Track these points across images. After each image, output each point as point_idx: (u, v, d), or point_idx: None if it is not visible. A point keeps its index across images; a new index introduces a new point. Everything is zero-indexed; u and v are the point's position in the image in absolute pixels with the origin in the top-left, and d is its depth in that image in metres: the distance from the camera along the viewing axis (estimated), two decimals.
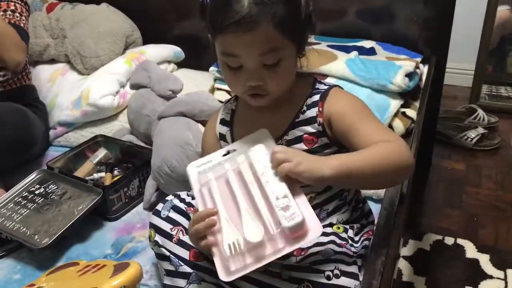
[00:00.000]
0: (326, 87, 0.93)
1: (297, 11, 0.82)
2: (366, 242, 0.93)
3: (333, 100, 0.90)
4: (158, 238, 0.95)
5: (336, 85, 0.94)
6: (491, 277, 1.41)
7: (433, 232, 1.60)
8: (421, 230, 1.61)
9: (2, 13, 1.53)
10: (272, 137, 0.88)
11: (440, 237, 1.57)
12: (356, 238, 0.95)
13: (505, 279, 1.40)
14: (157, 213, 0.98)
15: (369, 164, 0.79)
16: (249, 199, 0.81)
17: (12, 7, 1.57)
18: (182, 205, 0.97)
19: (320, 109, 0.89)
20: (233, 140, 0.97)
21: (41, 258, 1.18)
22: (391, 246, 0.85)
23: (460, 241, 1.55)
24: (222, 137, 0.99)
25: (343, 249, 0.90)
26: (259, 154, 0.84)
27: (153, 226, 0.97)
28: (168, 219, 0.96)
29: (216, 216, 0.80)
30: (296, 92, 0.92)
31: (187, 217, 0.96)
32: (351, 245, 0.93)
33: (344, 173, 0.78)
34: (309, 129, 0.90)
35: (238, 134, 0.97)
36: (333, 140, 0.90)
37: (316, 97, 0.91)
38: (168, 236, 0.95)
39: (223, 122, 1.00)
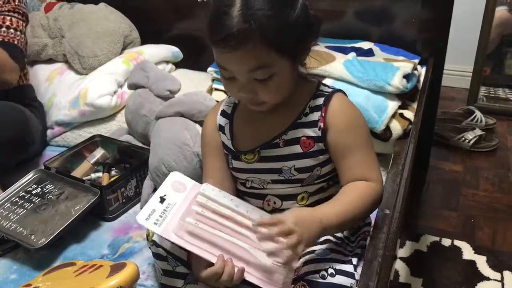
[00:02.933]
0: (329, 90, 0.93)
1: (290, 25, 0.81)
2: (362, 242, 0.93)
3: (336, 110, 0.90)
4: (155, 237, 0.95)
5: (339, 90, 0.94)
6: (487, 278, 1.41)
7: (430, 233, 1.60)
8: (418, 231, 1.61)
9: None
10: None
11: (437, 239, 1.57)
12: (352, 238, 0.95)
13: (501, 281, 1.40)
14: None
15: (349, 218, 0.85)
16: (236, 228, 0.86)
17: (8, 23, 1.53)
18: None
19: (323, 114, 0.90)
20: (231, 133, 0.97)
21: (37, 258, 1.18)
22: (388, 247, 0.85)
23: (457, 242, 1.55)
24: (221, 128, 0.99)
25: (339, 248, 0.90)
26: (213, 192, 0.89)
27: None
28: None
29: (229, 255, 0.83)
30: (298, 93, 0.92)
31: None
32: (347, 244, 0.93)
33: (328, 230, 0.83)
34: (309, 132, 0.90)
35: (237, 128, 0.97)
36: (327, 147, 0.91)
37: (320, 101, 0.91)
38: None
39: (223, 113, 1.00)
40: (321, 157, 0.91)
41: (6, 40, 1.51)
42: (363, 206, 0.87)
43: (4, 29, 1.52)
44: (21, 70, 1.59)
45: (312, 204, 0.92)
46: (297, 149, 0.91)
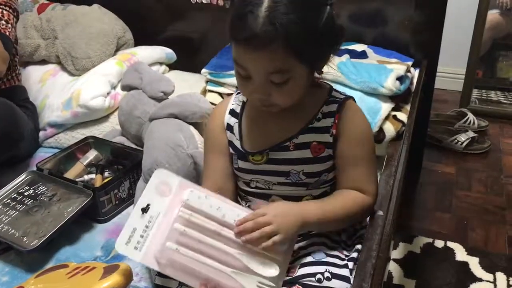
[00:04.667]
0: (342, 96, 0.94)
1: (314, 33, 0.81)
2: (358, 246, 0.93)
3: (350, 119, 0.91)
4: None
5: (350, 97, 0.95)
6: (480, 279, 1.42)
7: (423, 235, 1.60)
8: (411, 233, 1.61)
9: None
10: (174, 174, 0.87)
11: (430, 240, 1.58)
12: (349, 242, 0.96)
13: (494, 282, 1.41)
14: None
15: (330, 219, 0.88)
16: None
17: None
18: None
19: (336, 121, 0.90)
20: (240, 133, 0.96)
21: (29, 260, 1.17)
22: (382, 248, 0.85)
23: (450, 244, 1.56)
24: (229, 127, 0.98)
25: (335, 252, 0.90)
26: (199, 201, 0.85)
27: None
28: None
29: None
30: (311, 97, 0.92)
31: None
32: (343, 248, 0.93)
33: (307, 226, 0.86)
34: (320, 138, 0.91)
35: (246, 128, 0.96)
36: (334, 154, 0.92)
37: (334, 107, 0.91)
38: None
39: (232, 113, 0.99)
40: (329, 162, 0.92)
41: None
42: (348, 211, 0.89)
43: None
44: (9, 61, 1.55)
45: None
46: (307, 153, 0.91)
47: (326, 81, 0.98)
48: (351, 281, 0.85)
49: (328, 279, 0.83)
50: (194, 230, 0.83)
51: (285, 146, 0.92)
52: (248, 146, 0.95)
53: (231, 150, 0.98)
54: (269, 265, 0.82)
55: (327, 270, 0.84)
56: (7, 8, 1.56)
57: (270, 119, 0.93)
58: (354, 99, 0.96)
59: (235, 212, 0.85)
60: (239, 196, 1.03)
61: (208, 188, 0.93)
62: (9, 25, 1.55)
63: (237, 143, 0.96)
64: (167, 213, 0.83)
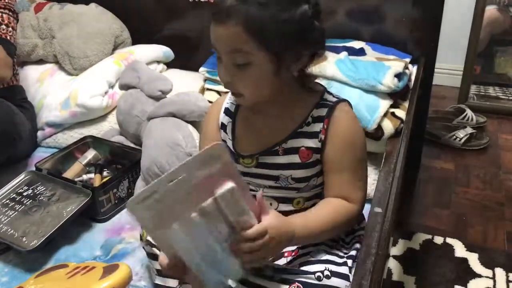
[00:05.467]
0: (334, 100, 0.91)
1: (277, 21, 0.79)
2: (357, 245, 0.93)
3: (339, 124, 0.89)
4: (150, 237, 0.94)
5: (344, 100, 0.92)
6: (479, 275, 1.42)
7: (422, 231, 1.61)
8: (410, 230, 1.62)
9: None
10: (229, 155, 0.71)
11: (429, 237, 1.58)
12: (347, 240, 0.96)
13: (493, 278, 1.41)
14: None
15: (318, 235, 0.87)
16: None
17: None
18: None
19: (325, 126, 0.89)
20: (233, 133, 0.96)
21: (29, 261, 1.17)
22: (381, 245, 0.85)
23: (449, 240, 1.56)
24: (223, 126, 0.98)
25: (334, 250, 0.90)
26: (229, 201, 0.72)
27: None
28: None
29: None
30: (302, 101, 0.91)
31: None
32: (342, 246, 0.94)
33: (296, 243, 0.85)
34: (309, 143, 0.89)
35: (239, 130, 0.96)
36: (322, 159, 0.90)
37: (323, 111, 0.89)
38: None
39: (227, 112, 0.98)
40: (318, 167, 0.91)
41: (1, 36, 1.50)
42: (336, 225, 0.87)
43: None
44: (13, 67, 1.57)
45: (308, 208, 0.92)
46: (296, 159, 0.90)
47: (321, 83, 0.96)
48: (351, 278, 0.85)
49: (327, 277, 0.83)
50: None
51: (274, 151, 0.91)
52: (239, 149, 0.95)
53: None
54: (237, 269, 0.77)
55: (327, 268, 0.84)
56: (7, 11, 1.56)
57: (262, 121, 0.92)
58: (348, 102, 0.93)
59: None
60: None
61: None
62: (10, 29, 1.55)
63: (230, 143, 0.96)
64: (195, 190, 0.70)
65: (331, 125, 0.88)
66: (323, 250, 0.89)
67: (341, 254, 0.91)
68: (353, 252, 0.92)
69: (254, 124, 0.94)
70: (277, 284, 0.86)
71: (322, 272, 0.84)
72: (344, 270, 0.86)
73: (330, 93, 0.93)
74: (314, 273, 0.84)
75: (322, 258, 0.87)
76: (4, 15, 1.54)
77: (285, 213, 0.91)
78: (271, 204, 0.95)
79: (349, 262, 0.89)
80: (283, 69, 0.84)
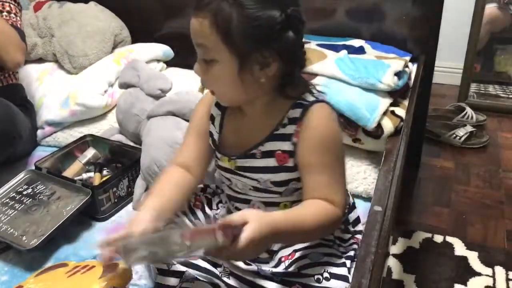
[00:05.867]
0: (311, 99, 0.87)
1: (248, 21, 0.77)
2: (355, 246, 0.93)
3: (310, 125, 0.85)
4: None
5: (321, 100, 0.88)
6: (479, 274, 1.42)
7: (422, 230, 1.61)
8: (410, 228, 1.62)
9: None
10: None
11: (429, 235, 1.58)
12: (345, 237, 0.95)
13: (493, 276, 1.42)
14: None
15: (298, 239, 0.85)
16: None
17: (8, 8, 1.55)
18: None
19: (298, 128, 0.86)
20: (220, 128, 0.95)
21: (29, 260, 1.16)
22: (381, 244, 0.85)
23: (449, 238, 1.56)
24: (212, 119, 0.97)
25: (331, 250, 0.90)
26: None
27: None
28: None
29: None
30: (278, 102, 0.87)
31: None
32: (339, 245, 0.93)
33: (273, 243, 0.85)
34: (284, 146, 0.87)
35: (226, 124, 0.95)
36: (296, 162, 0.87)
37: (298, 113, 0.86)
38: None
39: (218, 104, 0.97)
40: (293, 172, 0.88)
41: (10, 23, 1.52)
42: (317, 228, 0.82)
43: (5, 13, 1.53)
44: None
45: None
46: (272, 162, 0.88)
47: (308, 82, 0.92)
48: (350, 280, 0.85)
49: (327, 279, 0.83)
50: None
51: (252, 154, 0.89)
52: (222, 146, 0.94)
53: (210, 142, 0.97)
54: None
55: (326, 270, 0.84)
56: (13, 2, 1.58)
57: (244, 121, 0.91)
58: (326, 102, 0.89)
59: None
60: (226, 201, 1.02)
61: (176, 163, 0.97)
62: (18, 18, 1.58)
63: (216, 137, 0.96)
64: None
65: (304, 127, 0.85)
66: (320, 252, 0.89)
67: (339, 254, 0.90)
68: (351, 253, 0.92)
69: (237, 123, 0.93)
70: (277, 285, 0.86)
71: (321, 274, 0.84)
72: (343, 271, 0.86)
73: (312, 93, 0.89)
74: (313, 275, 0.83)
75: (320, 261, 0.87)
76: (12, 6, 1.57)
77: None
78: (259, 207, 0.94)
79: (348, 262, 0.89)
80: (246, 72, 0.81)
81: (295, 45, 0.82)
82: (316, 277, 0.83)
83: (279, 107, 0.88)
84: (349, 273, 0.87)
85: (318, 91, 0.91)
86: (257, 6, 0.78)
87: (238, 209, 0.98)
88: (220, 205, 1.03)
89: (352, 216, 1.00)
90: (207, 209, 1.03)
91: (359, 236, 0.98)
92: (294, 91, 0.87)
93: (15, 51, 1.49)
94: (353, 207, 1.02)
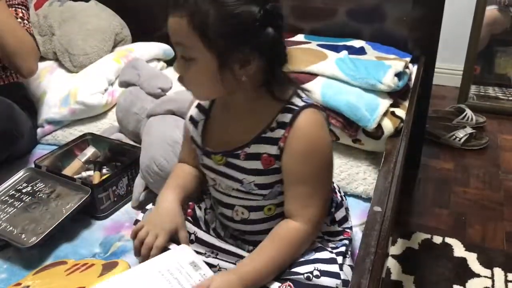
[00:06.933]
0: (301, 104, 0.85)
1: (225, 18, 0.76)
2: (346, 241, 0.93)
3: (298, 132, 0.83)
4: None
5: (311, 105, 0.86)
6: (478, 275, 1.42)
7: (421, 231, 1.61)
8: (409, 229, 1.62)
9: None
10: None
11: (428, 236, 1.58)
12: (333, 229, 0.95)
13: (492, 277, 1.42)
14: (146, 212, 0.98)
15: (271, 275, 0.84)
16: None
17: (20, 14, 1.55)
18: None
19: (286, 134, 0.84)
20: (204, 130, 0.94)
21: (28, 257, 1.16)
22: (380, 245, 0.85)
23: (448, 240, 1.57)
24: (193, 121, 0.96)
25: (321, 247, 0.89)
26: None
27: None
28: None
29: None
30: (268, 103, 0.86)
31: None
32: (328, 240, 0.93)
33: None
34: (270, 149, 0.86)
35: (211, 125, 0.95)
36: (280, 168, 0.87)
37: (287, 118, 0.84)
38: None
39: (199, 107, 0.97)
40: (276, 175, 0.87)
41: (26, 30, 1.53)
42: (290, 256, 0.85)
43: (19, 20, 1.53)
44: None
45: (281, 214, 0.91)
46: (258, 165, 0.87)
47: (299, 84, 0.90)
48: (341, 276, 0.84)
49: (317, 276, 0.82)
50: None
51: (236, 154, 0.88)
52: (210, 145, 0.93)
53: (193, 145, 0.97)
54: None
55: (316, 268, 0.83)
56: (24, 8, 1.58)
57: (231, 121, 0.90)
58: (317, 107, 0.86)
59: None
60: (212, 205, 1.02)
61: (180, 161, 1.03)
62: (30, 24, 1.58)
63: (198, 139, 0.95)
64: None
65: (291, 133, 0.83)
66: (310, 249, 0.88)
67: (329, 249, 0.90)
68: (342, 248, 0.91)
69: (225, 122, 0.91)
70: (267, 283, 0.85)
71: (311, 272, 0.82)
72: (333, 268, 0.85)
73: (300, 96, 0.87)
74: (303, 274, 0.83)
75: (310, 258, 0.86)
76: (23, 11, 1.57)
77: (258, 221, 0.92)
78: (242, 213, 0.94)
79: (339, 259, 0.88)
80: (226, 71, 0.80)
81: (275, 42, 0.79)
82: (306, 275, 0.82)
83: (268, 109, 0.86)
84: (341, 269, 0.86)
85: (306, 93, 0.89)
86: (234, 3, 0.76)
87: (223, 215, 0.98)
88: (207, 210, 1.02)
89: (339, 215, 0.99)
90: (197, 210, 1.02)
91: (349, 231, 0.97)
92: (282, 94, 0.85)
93: (32, 59, 1.51)
94: (340, 205, 1.00)
